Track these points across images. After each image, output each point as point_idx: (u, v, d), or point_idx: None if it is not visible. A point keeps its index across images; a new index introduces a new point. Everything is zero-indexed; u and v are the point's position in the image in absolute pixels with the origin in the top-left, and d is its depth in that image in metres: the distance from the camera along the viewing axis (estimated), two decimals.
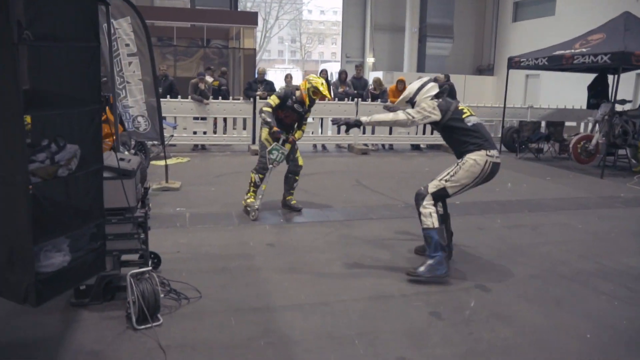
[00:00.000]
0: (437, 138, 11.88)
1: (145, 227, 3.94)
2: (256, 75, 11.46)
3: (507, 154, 11.83)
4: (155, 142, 9.82)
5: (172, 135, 10.20)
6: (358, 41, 22.44)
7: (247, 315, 3.56)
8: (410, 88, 4.47)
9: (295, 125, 6.12)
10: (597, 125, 10.18)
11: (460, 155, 4.25)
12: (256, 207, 5.84)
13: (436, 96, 4.35)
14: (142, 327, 3.33)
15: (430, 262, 4.12)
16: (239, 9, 21.95)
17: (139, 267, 3.63)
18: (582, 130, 12.12)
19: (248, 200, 6.06)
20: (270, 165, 5.82)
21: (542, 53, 10.70)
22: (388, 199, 7.10)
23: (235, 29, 18.17)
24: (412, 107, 4.38)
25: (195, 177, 8.18)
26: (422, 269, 4.12)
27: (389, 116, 4.35)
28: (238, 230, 5.54)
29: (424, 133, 11.88)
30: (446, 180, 4.22)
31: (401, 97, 4.57)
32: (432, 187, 4.24)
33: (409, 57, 21.02)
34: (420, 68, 20.68)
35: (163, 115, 10.44)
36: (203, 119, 10.85)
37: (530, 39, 18.47)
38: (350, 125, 4.44)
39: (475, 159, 4.16)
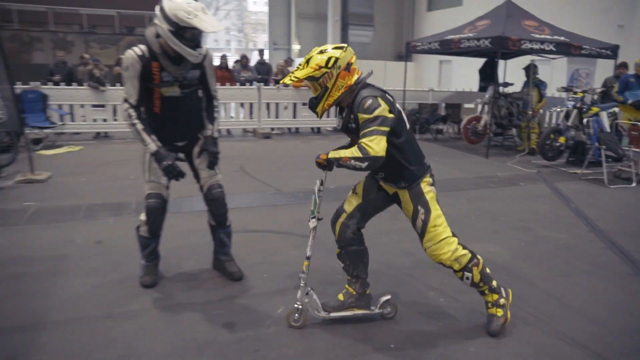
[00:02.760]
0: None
1: None
2: None
3: None
4: (47, 130, 8.79)
5: (63, 124, 9.13)
6: (284, 29, 21.47)
7: (3, 336, 2.77)
8: None
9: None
10: (485, 107, 9.80)
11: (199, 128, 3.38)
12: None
13: None
14: None
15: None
16: None
17: None
18: (479, 112, 11.77)
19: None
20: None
21: (435, 37, 10.18)
22: (260, 186, 6.37)
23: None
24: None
25: (73, 167, 7.19)
26: None
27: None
28: (77, 225, 4.67)
29: (328, 116, 11.19)
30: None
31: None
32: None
33: (332, 44, 20.22)
34: None
35: (58, 103, 9.38)
36: (102, 106, 9.77)
37: (441, 27, 18.00)
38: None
39: None
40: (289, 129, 11.25)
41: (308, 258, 2.81)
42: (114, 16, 17.11)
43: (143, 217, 3.30)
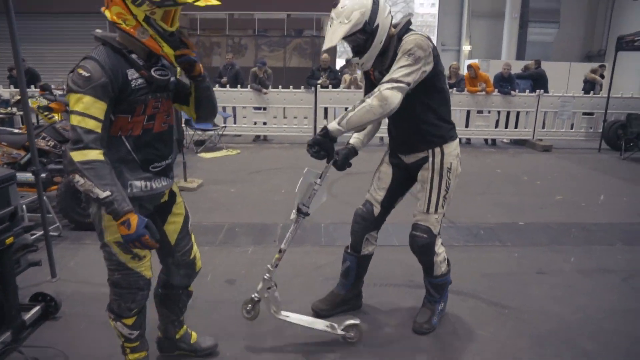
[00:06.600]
0: (521, 131, 9.41)
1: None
2: (320, 64, 9.67)
3: (608, 153, 8.97)
4: (211, 132, 8.67)
5: (225, 126, 8.91)
6: (454, 29, 19.63)
7: None
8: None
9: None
10: None
11: (423, 145, 2.55)
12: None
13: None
14: None
15: (440, 307, 2.84)
16: None
17: None
18: None
19: None
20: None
21: None
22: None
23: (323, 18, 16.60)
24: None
25: (226, 173, 6.77)
26: (435, 319, 2.78)
27: (364, 107, 2.25)
28: (213, 253, 3.97)
29: (506, 126, 9.37)
30: (443, 206, 2.60)
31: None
32: (435, 224, 2.61)
33: (508, 43, 17.86)
34: (520, 55, 17.48)
35: (222, 105, 9.24)
36: (263, 109, 9.43)
37: None
38: (323, 146, 2.33)
39: (458, 153, 2.63)
40: (460, 139, 9.67)
41: (280, 252, 2.54)
42: (283, 19, 17.25)
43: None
